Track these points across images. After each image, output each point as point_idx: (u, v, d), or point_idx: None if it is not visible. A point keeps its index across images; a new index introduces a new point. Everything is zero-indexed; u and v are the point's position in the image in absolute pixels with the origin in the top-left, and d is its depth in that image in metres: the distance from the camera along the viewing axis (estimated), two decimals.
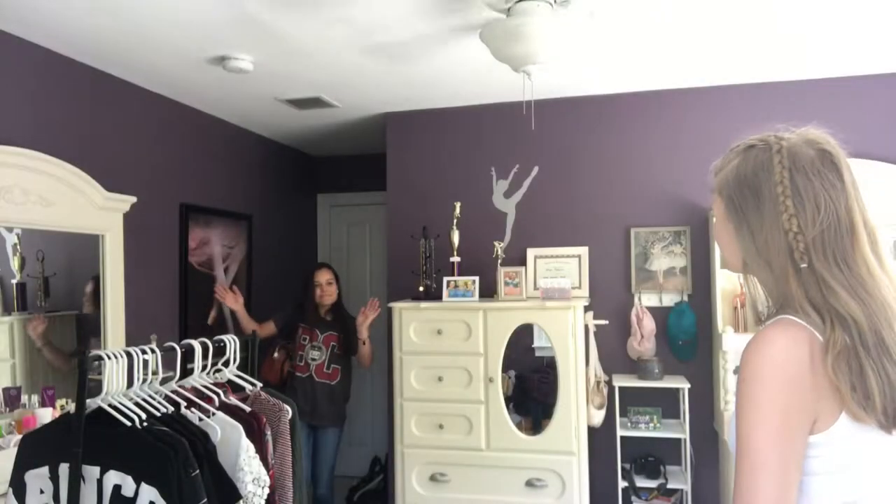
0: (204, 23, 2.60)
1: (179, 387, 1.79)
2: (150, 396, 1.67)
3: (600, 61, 3.17)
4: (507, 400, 3.36)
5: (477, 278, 3.44)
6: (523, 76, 2.55)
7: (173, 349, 1.76)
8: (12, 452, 1.78)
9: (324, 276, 3.70)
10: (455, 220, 3.55)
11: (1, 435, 2.40)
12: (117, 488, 1.51)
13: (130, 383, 1.66)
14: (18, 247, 2.68)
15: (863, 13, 2.62)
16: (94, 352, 1.58)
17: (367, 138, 4.52)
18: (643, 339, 3.50)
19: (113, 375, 1.60)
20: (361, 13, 2.54)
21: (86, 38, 2.72)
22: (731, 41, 2.92)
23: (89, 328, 2.99)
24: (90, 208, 2.86)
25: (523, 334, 3.42)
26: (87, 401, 1.55)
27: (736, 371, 3.08)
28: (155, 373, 1.72)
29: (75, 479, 1.51)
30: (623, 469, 3.39)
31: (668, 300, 3.59)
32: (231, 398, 1.82)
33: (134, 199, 3.10)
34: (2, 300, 2.64)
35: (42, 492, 1.59)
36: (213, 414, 1.72)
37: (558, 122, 3.77)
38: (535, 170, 3.80)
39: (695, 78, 3.46)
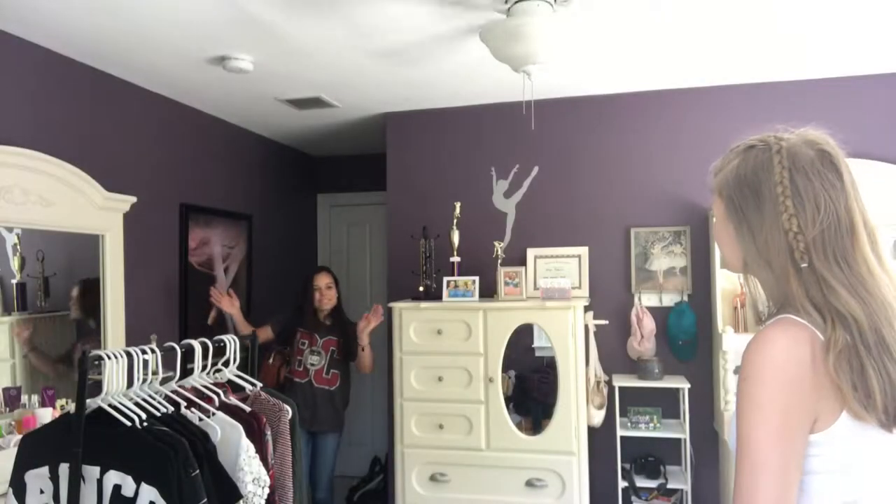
0: (204, 23, 2.60)
1: (179, 387, 1.79)
2: (150, 396, 1.67)
3: (600, 61, 3.17)
4: (507, 400, 3.36)
5: (477, 278, 3.44)
6: (523, 76, 2.55)
7: (173, 349, 1.76)
8: (12, 452, 1.78)
9: (323, 280, 3.64)
10: (455, 220, 3.55)
11: (1, 435, 2.40)
12: (117, 488, 1.51)
13: (130, 383, 1.66)
14: (18, 247, 2.68)
15: (863, 13, 2.62)
16: (94, 352, 1.58)
17: (367, 138, 4.52)
18: (643, 339, 3.50)
19: (113, 375, 1.60)
20: (362, 13, 2.55)
21: (86, 38, 2.72)
22: (731, 41, 2.92)
23: (78, 332, 2.96)
24: (90, 208, 2.86)
25: (523, 334, 3.42)
26: (87, 401, 1.55)
27: (736, 371, 3.09)
28: (155, 373, 1.72)
29: (75, 479, 1.51)
30: (623, 469, 3.39)
31: (668, 300, 3.59)
32: (231, 398, 1.82)
33: (134, 199, 3.10)
34: (2, 300, 2.64)
35: (42, 492, 1.59)
36: (213, 414, 1.72)
37: (558, 122, 3.77)
38: (535, 170, 3.80)
39: (695, 78, 3.46)
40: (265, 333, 3.59)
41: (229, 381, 1.91)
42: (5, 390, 2.56)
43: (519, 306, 3.29)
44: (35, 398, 2.65)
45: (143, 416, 1.57)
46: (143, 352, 1.66)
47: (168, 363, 1.78)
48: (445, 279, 3.46)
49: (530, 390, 3.55)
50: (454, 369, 3.30)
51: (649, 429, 3.37)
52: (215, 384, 1.84)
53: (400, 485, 3.38)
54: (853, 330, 0.95)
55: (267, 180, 4.67)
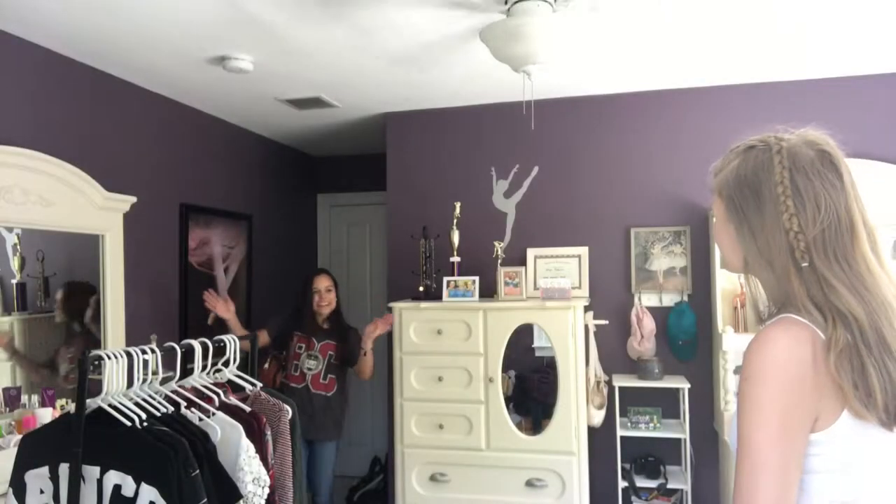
0: (204, 23, 2.60)
1: (179, 387, 1.79)
2: (150, 396, 1.67)
3: (600, 61, 3.17)
4: (507, 400, 3.36)
5: (477, 278, 3.44)
6: (523, 76, 2.55)
7: (173, 349, 1.76)
8: (12, 452, 1.78)
9: (323, 283, 3.53)
10: (455, 220, 3.55)
11: (1, 435, 2.40)
12: (117, 488, 1.51)
13: (130, 383, 1.66)
14: (18, 247, 2.68)
15: (863, 13, 2.62)
16: (94, 352, 1.58)
17: (367, 138, 4.52)
18: (643, 339, 3.50)
19: (113, 375, 1.60)
20: (362, 14, 2.54)
21: (86, 38, 2.72)
22: (731, 41, 2.92)
23: (65, 336, 2.88)
24: (90, 208, 2.86)
25: (523, 334, 3.42)
26: (87, 401, 1.55)
27: (736, 371, 3.09)
28: (155, 373, 1.72)
29: (75, 479, 1.51)
30: (623, 469, 3.39)
31: (668, 300, 3.59)
32: (231, 398, 1.82)
33: (134, 199, 3.10)
34: (2, 300, 2.64)
35: (42, 492, 1.59)
36: (213, 414, 1.72)
37: (558, 122, 3.77)
38: (535, 170, 3.80)
39: (695, 78, 3.46)
40: (262, 338, 3.47)
41: (229, 381, 1.91)
42: (5, 390, 2.56)
43: (519, 306, 3.29)
44: (35, 398, 2.65)
45: (143, 416, 1.57)
46: (143, 352, 1.66)
47: (168, 363, 1.78)
48: (445, 279, 3.46)
49: (530, 390, 3.55)
50: (454, 369, 3.30)
51: (649, 429, 3.37)
52: (215, 384, 1.84)
53: (400, 485, 3.38)
54: (854, 329, 0.96)
55: (267, 180, 4.67)
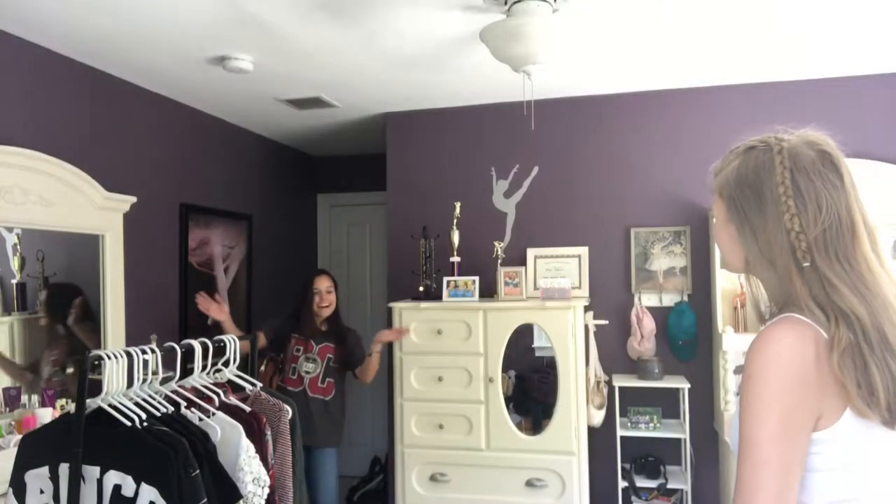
0: (204, 23, 2.60)
1: (179, 387, 1.79)
2: (150, 396, 1.67)
3: (600, 61, 3.17)
4: (507, 400, 3.36)
5: (477, 278, 3.44)
6: (523, 76, 2.55)
7: (173, 349, 1.76)
8: (12, 452, 1.78)
9: (324, 283, 3.42)
10: (455, 220, 3.55)
11: (1, 435, 2.40)
12: (117, 488, 1.51)
13: (130, 383, 1.66)
14: (18, 247, 2.68)
15: (863, 13, 2.62)
16: (94, 352, 1.58)
17: (367, 138, 4.52)
18: (643, 339, 3.50)
19: (113, 375, 1.60)
20: (362, 15, 2.54)
21: (86, 38, 2.72)
22: (731, 41, 2.92)
23: (48, 339, 2.81)
24: (90, 208, 2.86)
25: (523, 334, 3.42)
26: (87, 401, 1.55)
27: (736, 371, 3.09)
28: (155, 373, 1.72)
29: (75, 479, 1.51)
30: (623, 469, 3.39)
31: (668, 300, 3.59)
32: (231, 398, 1.82)
33: (134, 199, 3.10)
34: (2, 300, 2.64)
35: (42, 492, 1.59)
36: (213, 414, 1.72)
37: (558, 122, 3.77)
38: (535, 170, 3.80)
39: (695, 78, 3.46)
40: (258, 340, 3.37)
41: (229, 381, 1.91)
42: (5, 390, 2.56)
43: (519, 306, 3.29)
44: (35, 398, 2.65)
45: (143, 416, 1.57)
46: (143, 352, 1.66)
47: (168, 363, 1.78)
48: (445, 279, 3.46)
49: (530, 390, 3.55)
50: (454, 369, 3.30)
51: (649, 429, 3.37)
52: (215, 384, 1.84)
53: (400, 485, 3.38)
54: (856, 328, 0.96)
55: (267, 180, 4.67)
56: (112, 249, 2.98)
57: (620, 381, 3.43)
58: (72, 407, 1.92)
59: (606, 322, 3.56)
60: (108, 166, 3.10)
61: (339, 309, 3.51)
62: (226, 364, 1.94)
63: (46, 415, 2.52)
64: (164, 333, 3.21)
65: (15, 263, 2.68)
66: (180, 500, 1.47)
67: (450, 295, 3.42)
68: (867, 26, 2.76)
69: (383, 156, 4.08)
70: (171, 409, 1.66)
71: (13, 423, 2.49)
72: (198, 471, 1.51)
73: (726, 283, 3.38)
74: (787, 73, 3.36)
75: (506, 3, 2.39)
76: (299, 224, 5.15)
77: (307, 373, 3.31)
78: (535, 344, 3.60)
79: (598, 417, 3.35)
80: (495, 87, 3.53)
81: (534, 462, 3.20)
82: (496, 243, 3.60)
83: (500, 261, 3.54)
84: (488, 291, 3.54)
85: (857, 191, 1.05)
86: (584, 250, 3.68)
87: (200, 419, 1.68)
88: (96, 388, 1.60)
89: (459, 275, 3.50)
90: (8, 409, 2.54)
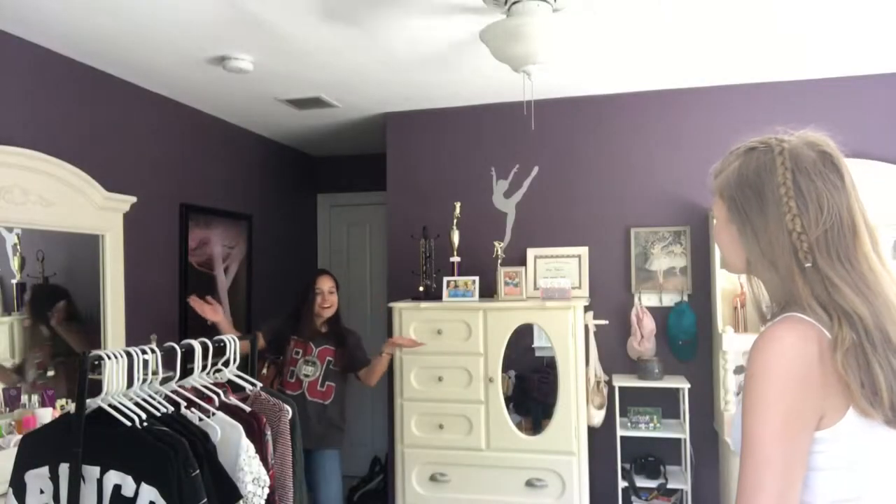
0: (204, 23, 2.60)
1: (179, 387, 1.79)
2: (150, 396, 1.67)
3: (600, 61, 3.17)
4: (507, 400, 3.36)
5: (477, 278, 3.44)
6: (523, 76, 2.55)
7: (173, 349, 1.76)
8: (12, 452, 1.78)
9: (326, 284, 3.34)
10: (455, 220, 3.55)
11: (1, 435, 2.40)
12: (117, 488, 1.51)
13: (130, 383, 1.66)
14: (18, 247, 2.68)
15: (863, 13, 2.62)
16: (94, 352, 1.58)
17: (367, 138, 4.52)
18: (643, 339, 3.50)
19: (113, 375, 1.60)
20: (362, 15, 2.54)
21: (86, 38, 2.72)
22: (731, 41, 2.92)
23: (31, 340, 2.76)
24: (90, 208, 2.86)
25: (523, 334, 3.42)
26: (87, 401, 1.55)
27: (736, 371, 3.09)
28: (155, 373, 1.72)
29: (75, 479, 1.51)
30: (623, 469, 3.39)
31: (668, 300, 3.59)
32: (231, 398, 1.82)
33: (134, 199, 3.10)
34: (2, 300, 2.64)
35: (42, 492, 1.59)
36: (213, 414, 1.72)
37: (558, 122, 3.77)
38: (535, 170, 3.80)
39: (695, 78, 3.46)
40: (258, 341, 3.35)
41: (229, 381, 1.91)
42: (5, 390, 2.56)
43: (519, 306, 3.29)
44: (35, 398, 2.65)
45: (143, 416, 1.57)
46: (143, 352, 1.66)
47: (168, 363, 1.78)
48: (445, 279, 3.46)
49: (530, 390, 3.55)
50: (454, 369, 3.30)
51: (649, 429, 3.37)
52: (215, 384, 1.84)
53: (400, 485, 3.38)
54: (859, 328, 0.96)
55: (267, 180, 4.67)
56: (112, 249, 2.98)
57: (620, 381, 3.43)
58: (72, 407, 1.92)
59: (606, 322, 3.56)
60: (108, 166, 3.10)
61: (339, 310, 3.44)
62: (226, 364, 1.94)
63: (46, 415, 2.53)
64: (164, 333, 3.21)
65: (15, 263, 2.68)
66: (180, 500, 1.47)
67: (450, 295, 3.42)
68: (867, 26, 2.76)
69: (383, 156, 4.08)
70: (171, 409, 1.66)
71: (13, 423, 2.49)
72: (198, 471, 1.51)
73: (726, 283, 3.38)
74: (787, 73, 3.36)
75: (506, 4, 2.39)
76: (299, 224, 5.15)
77: (306, 376, 3.22)
78: (535, 344, 3.60)
79: (598, 417, 3.35)
80: (495, 87, 3.53)
81: (534, 462, 3.20)
82: (496, 243, 3.60)
83: (500, 261, 3.54)
84: (488, 291, 3.54)
85: (858, 191, 1.05)
86: (584, 250, 3.68)
87: (200, 419, 1.68)
88: (96, 388, 1.60)
89: (459, 275, 3.50)
90: (8, 409, 2.54)
